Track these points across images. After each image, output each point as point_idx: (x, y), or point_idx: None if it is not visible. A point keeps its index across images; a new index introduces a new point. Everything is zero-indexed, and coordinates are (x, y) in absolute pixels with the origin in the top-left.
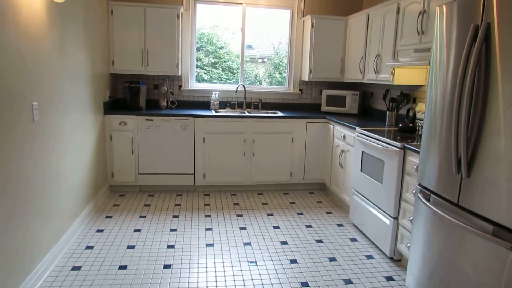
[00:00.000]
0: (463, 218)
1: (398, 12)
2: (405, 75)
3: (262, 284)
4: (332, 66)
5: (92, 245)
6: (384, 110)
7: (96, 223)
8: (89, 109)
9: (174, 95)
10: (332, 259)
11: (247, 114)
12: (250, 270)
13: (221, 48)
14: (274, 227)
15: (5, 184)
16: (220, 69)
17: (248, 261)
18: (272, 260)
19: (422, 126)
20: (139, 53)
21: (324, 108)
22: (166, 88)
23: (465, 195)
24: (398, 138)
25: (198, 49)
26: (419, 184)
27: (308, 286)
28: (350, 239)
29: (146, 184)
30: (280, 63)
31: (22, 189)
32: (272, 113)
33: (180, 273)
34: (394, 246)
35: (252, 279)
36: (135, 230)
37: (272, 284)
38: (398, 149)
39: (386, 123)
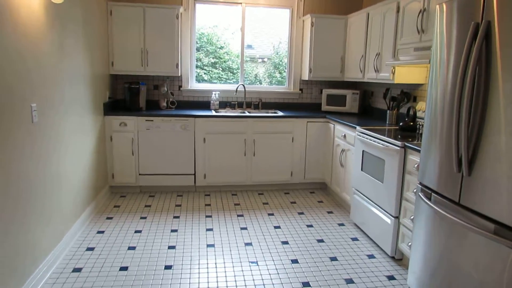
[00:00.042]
0: (464, 216)
1: (398, 11)
2: (406, 74)
3: (264, 284)
4: (332, 65)
5: (93, 247)
6: (384, 109)
7: (97, 224)
8: (89, 110)
9: (174, 95)
10: (333, 259)
11: (247, 114)
12: (251, 270)
13: (221, 48)
14: (275, 227)
15: (6, 186)
16: (220, 69)
17: (249, 261)
18: (273, 260)
19: (422, 125)
20: (139, 54)
21: (324, 107)
22: (166, 89)
23: (466, 193)
24: (399, 137)
25: (198, 49)
26: (420, 183)
27: (310, 286)
28: (351, 238)
29: (147, 185)
30: (280, 63)
31: (23, 190)
32: (272, 112)
33: (181, 273)
34: (396, 245)
35: (253, 279)
36: (136, 231)
37: (273, 284)
38: (398, 148)
39: (387, 122)
